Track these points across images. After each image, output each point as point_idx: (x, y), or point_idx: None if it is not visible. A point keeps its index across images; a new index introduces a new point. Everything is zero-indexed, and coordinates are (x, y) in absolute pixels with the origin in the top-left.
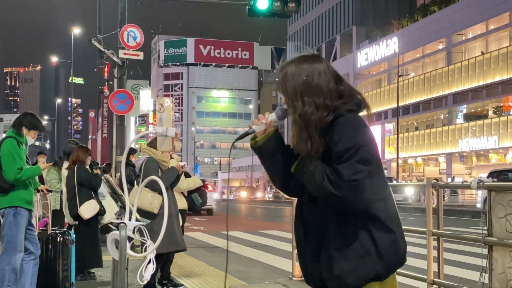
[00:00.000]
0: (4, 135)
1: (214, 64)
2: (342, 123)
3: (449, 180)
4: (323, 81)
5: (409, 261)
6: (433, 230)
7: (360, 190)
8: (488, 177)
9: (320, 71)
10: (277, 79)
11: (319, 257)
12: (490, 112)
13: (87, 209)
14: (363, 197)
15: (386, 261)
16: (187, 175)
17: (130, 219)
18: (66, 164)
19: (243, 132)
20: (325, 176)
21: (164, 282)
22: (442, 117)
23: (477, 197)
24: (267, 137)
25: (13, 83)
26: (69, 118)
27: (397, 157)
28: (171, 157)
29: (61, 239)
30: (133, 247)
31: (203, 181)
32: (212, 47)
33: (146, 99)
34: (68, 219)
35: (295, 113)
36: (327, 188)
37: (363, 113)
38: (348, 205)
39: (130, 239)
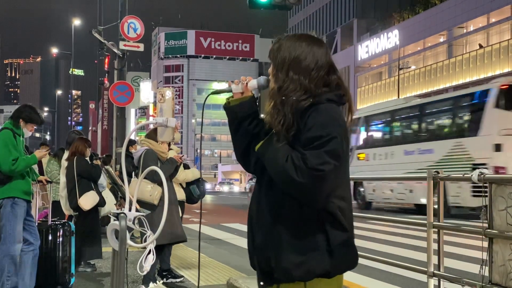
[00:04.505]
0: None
1: (214, 56)
2: (319, 110)
3: None
4: (314, 64)
5: (409, 253)
6: (434, 223)
7: (321, 182)
8: None
9: (315, 54)
10: (273, 46)
11: (268, 242)
12: None
13: (87, 200)
14: (324, 190)
15: (336, 259)
16: (186, 167)
17: (130, 210)
18: (67, 154)
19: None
20: (290, 159)
21: (164, 273)
22: None
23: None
24: (241, 100)
25: (13, 75)
26: (69, 109)
27: None
28: (170, 148)
29: (61, 230)
30: (133, 239)
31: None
32: (213, 39)
33: (146, 91)
34: (64, 210)
35: (276, 83)
36: (288, 171)
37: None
38: (306, 195)
39: (130, 229)
